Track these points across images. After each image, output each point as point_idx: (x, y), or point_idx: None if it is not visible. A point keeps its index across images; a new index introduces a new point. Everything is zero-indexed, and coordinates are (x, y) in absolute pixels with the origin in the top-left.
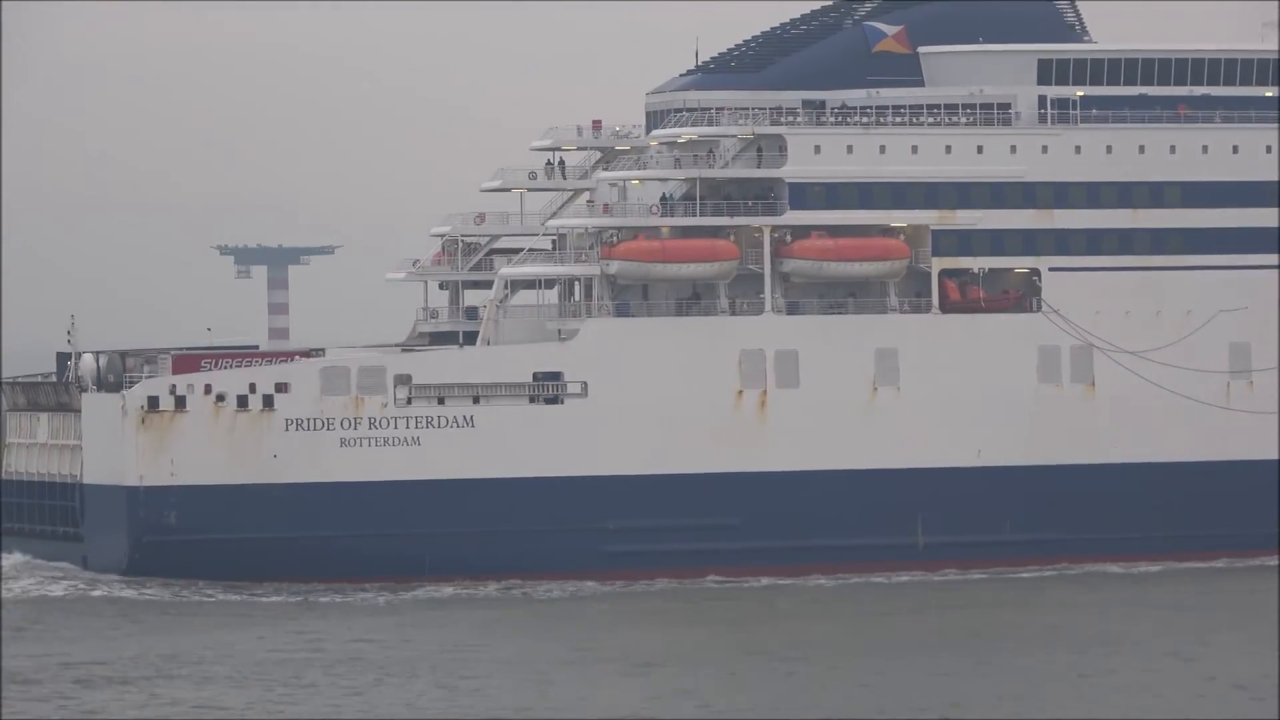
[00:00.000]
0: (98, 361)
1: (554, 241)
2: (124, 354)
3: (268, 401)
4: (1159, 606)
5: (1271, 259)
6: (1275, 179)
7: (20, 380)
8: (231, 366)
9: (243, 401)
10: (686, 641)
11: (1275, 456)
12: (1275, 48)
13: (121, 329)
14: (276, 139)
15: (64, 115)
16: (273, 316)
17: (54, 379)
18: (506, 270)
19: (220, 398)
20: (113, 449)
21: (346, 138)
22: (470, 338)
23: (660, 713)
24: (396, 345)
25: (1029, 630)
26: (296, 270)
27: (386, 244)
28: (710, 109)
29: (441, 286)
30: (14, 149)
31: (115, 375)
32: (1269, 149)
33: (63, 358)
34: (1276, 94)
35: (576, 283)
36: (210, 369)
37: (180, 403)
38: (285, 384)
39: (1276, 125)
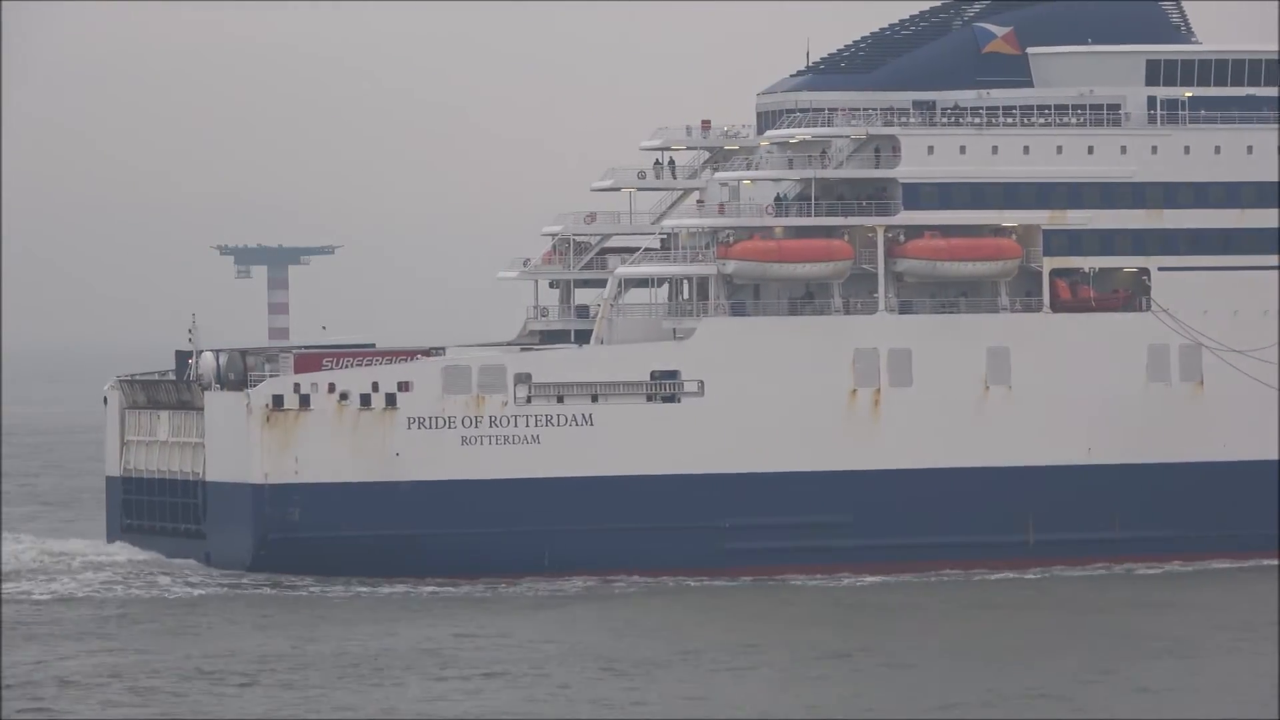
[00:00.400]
0: (218, 360)
1: (662, 240)
2: (244, 352)
3: (390, 400)
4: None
5: None
6: None
7: (139, 378)
8: (353, 365)
9: (366, 400)
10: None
11: None
12: None
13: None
14: (277, 139)
15: (64, 115)
16: (273, 316)
17: (171, 377)
18: (623, 270)
19: (344, 396)
20: (237, 447)
21: (348, 138)
22: (581, 336)
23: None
24: (508, 344)
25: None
26: (296, 270)
27: (386, 244)
28: (823, 110)
29: (552, 285)
30: (14, 149)
31: (236, 373)
32: None
33: (182, 356)
34: None
35: (686, 281)
36: (332, 368)
37: (304, 401)
38: (407, 383)
39: None
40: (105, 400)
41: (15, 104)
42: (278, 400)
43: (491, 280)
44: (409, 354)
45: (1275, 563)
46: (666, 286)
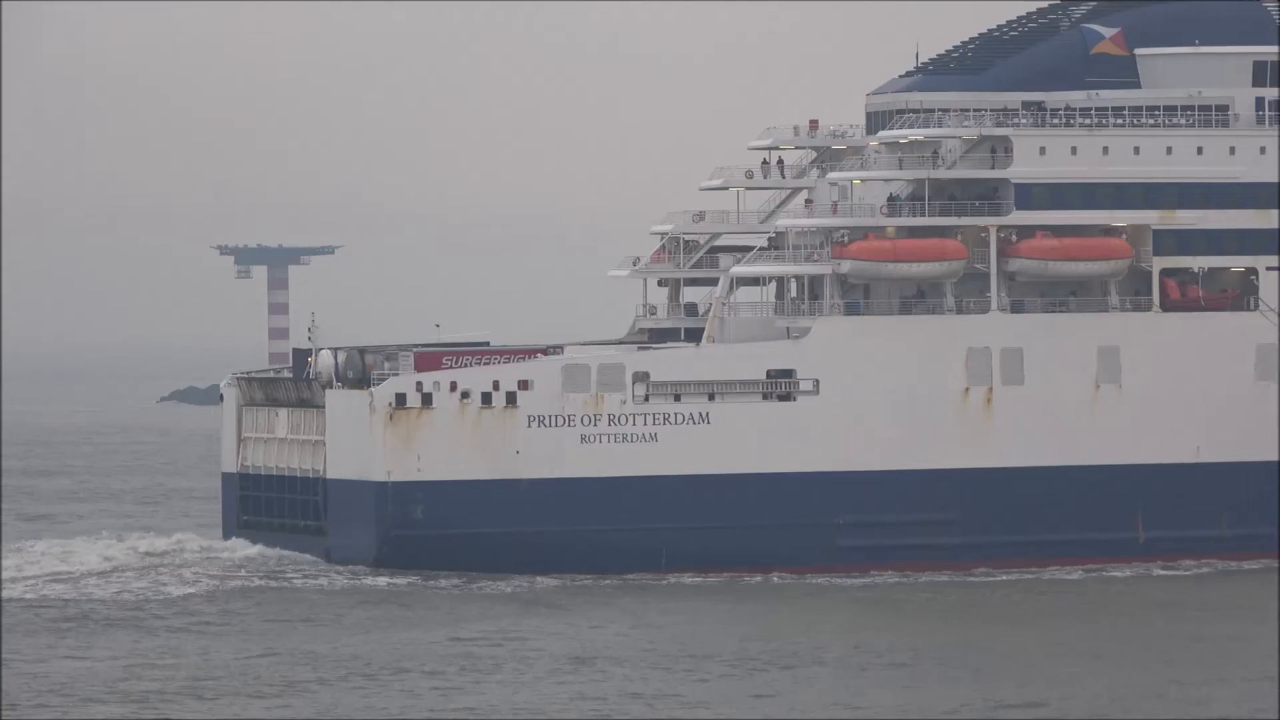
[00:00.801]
0: (336, 358)
1: (769, 239)
2: (363, 350)
3: (511, 398)
4: None
5: None
6: None
7: (257, 376)
8: (472, 364)
9: (487, 399)
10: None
11: None
12: None
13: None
14: (277, 139)
15: (64, 115)
16: (273, 316)
17: (286, 375)
18: (738, 269)
19: (465, 395)
20: (359, 445)
21: (349, 138)
22: (691, 334)
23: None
24: (617, 342)
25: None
26: (296, 270)
27: (387, 244)
28: (934, 110)
29: (660, 283)
30: (14, 149)
31: (355, 371)
32: None
33: (299, 354)
34: None
35: (793, 280)
36: (451, 366)
37: (427, 400)
38: (528, 381)
39: None
40: (221, 397)
41: (15, 104)
42: (400, 399)
43: (603, 278)
44: (527, 353)
45: None
46: (774, 285)
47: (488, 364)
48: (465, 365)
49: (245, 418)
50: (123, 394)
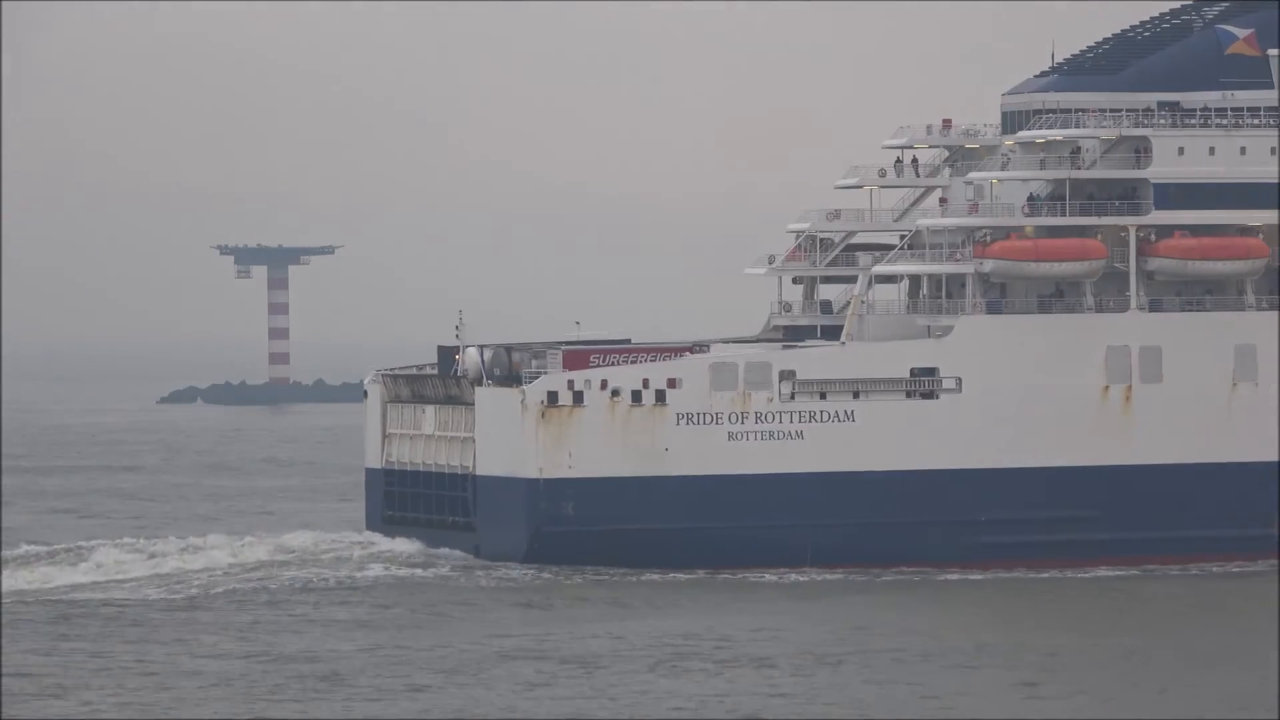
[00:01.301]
0: (482, 355)
1: (902, 237)
2: (509, 348)
3: (660, 397)
4: None
5: None
6: None
7: (402, 372)
8: (619, 362)
9: (637, 397)
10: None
11: None
12: None
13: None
14: (277, 138)
15: (64, 115)
16: (273, 316)
17: (429, 371)
18: (880, 267)
19: (615, 393)
20: (510, 442)
21: (354, 138)
22: (827, 331)
23: None
24: (752, 339)
25: None
26: (296, 270)
27: (388, 244)
28: (1071, 110)
29: (795, 281)
30: (14, 149)
31: (501, 369)
32: None
33: (444, 351)
34: None
35: (925, 278)
36: (599, 364)
37: (578, 398)
38: (676, 380)
39: None
40: (365, 393)
41: (15, 104)
42: (552, 397)
43: (740, 276)
44: (673, 351)
45: None
46: (906, 282)
47: (635, 362)
48: (613, 364)
49: (390, 414)
50: (133, 393)
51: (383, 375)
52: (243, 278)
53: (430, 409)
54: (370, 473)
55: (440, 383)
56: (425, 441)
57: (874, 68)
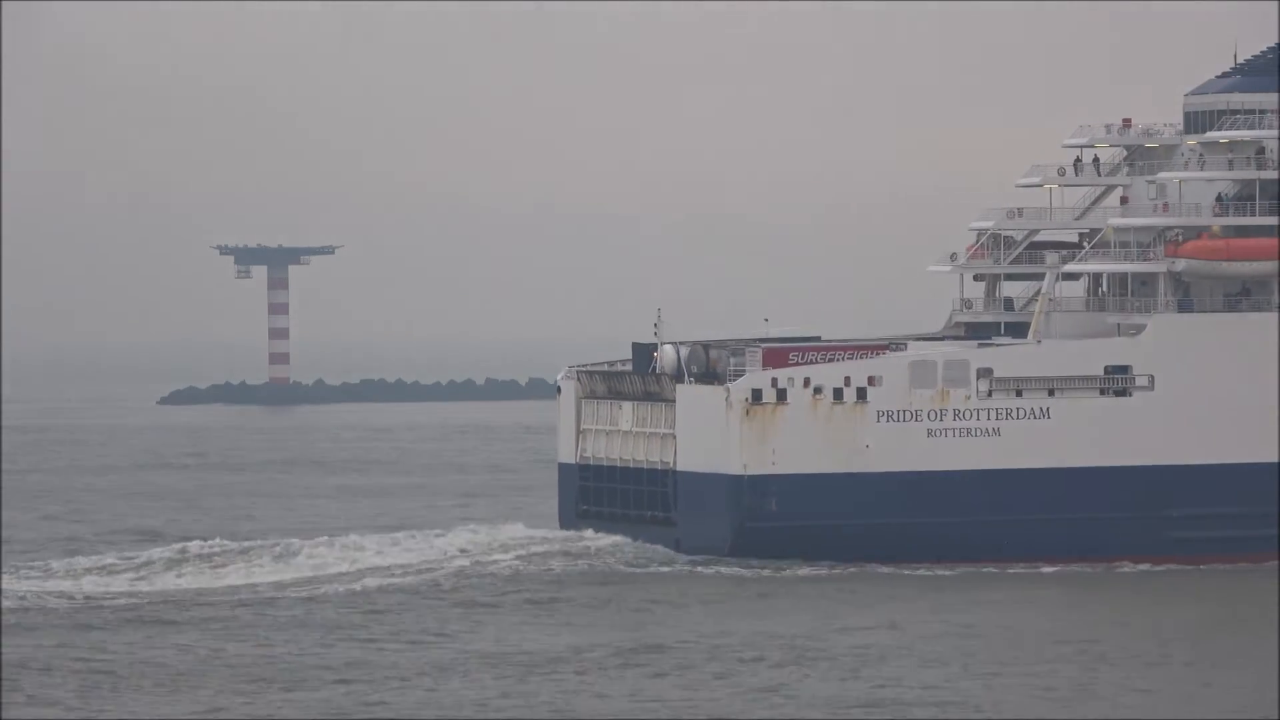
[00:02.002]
0: (678, 353)
1: (1081, 235)
2: (706, 345)
3: (861, 394)
4: None
5: None
6: None
7: (596, 369)
8: (817, 360)
9: (838, 394)
10: None
11: None
12: None
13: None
14: (277, 138)
15: (63, 115)
16: (273, 316)
17: (620, 368)
18: (1071, 265)
19: (818, 390)
20: (713, 438)
21: (355, 138)
22: (1010, 328)
23: None
24: (934, 336)
25: None
26: (296, 270)
27: (387, 243)
28: (1255, 111)
29: (976, 278)
30: (13, 148)
31: (699, 366)
32: None
33: (639, 348)
34: None
35: (1107, 277)
36: (798, 362)
37: (781, 395)
38: (877, 377)
39: None
40: (558, 390)
41: (15, 103)
42: (756, 394)
43: (923, 273)
44: (869, 349)
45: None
46: (1085, 282)
47: (833, 360)
48: (810, 361)
49: (585, 410)
50: (134, 393)
51: (577, 371)
52: (243, 278)
53: (628, 405)
54: (563, 468)
55: (639, 379)
56: (622, 437)
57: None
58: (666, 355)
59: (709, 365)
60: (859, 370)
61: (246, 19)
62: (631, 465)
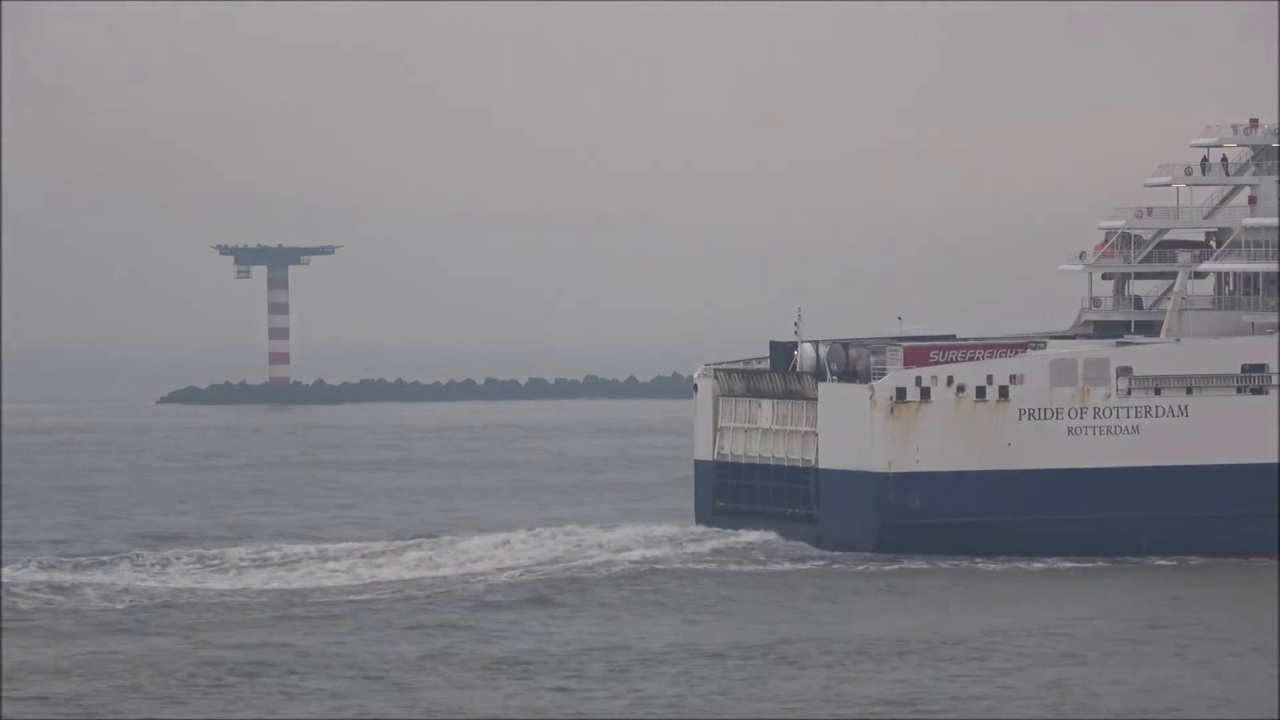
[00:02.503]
0: (817, 351)
1: (1208, 235)
2: (845, 344)
3: (1003, 393)
4: None
5: None
6: None
7: (733, 367)
8: (957, 358)
9: (980, 393)
10: None
11: None
12: None
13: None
14: (277, 138)
15: (64, 115)
16: (273, 316)
17: (755, 366)
18: (1208, 265)
19: (960, 389)
20: (857, 436)
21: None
22: (1140, 327)
23: None
24: (1063, 335)
25: None
26: (296, 270)
27: (388, 243)
28: None
29: (1105, 277)
30: (14, 148)
31: (838, 364)
32: None
33: (778, 347)
34: None
35: (1233, 275)
36: (938, 361)
37: (925, 394)
38: (1019, 376)
39: None
40: (695, 388)
41: (15, 103)
42: (900, 393)
43: (1053, 273)
44: (1009, 347)
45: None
46: (1212, 279)
47: (973, 359)
48: (951, 360)
49: (722, 408)
50: (134, 393)
51: (715, 370)
52: (243, 278)
53: (767, 403)
54: (700, 465)
55: (779, 378)
56: (761, 435)
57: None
58: (806, 354)
59: (848, 363)
60: (1001, 369)
61: (247, 19)
62: (771, 463)
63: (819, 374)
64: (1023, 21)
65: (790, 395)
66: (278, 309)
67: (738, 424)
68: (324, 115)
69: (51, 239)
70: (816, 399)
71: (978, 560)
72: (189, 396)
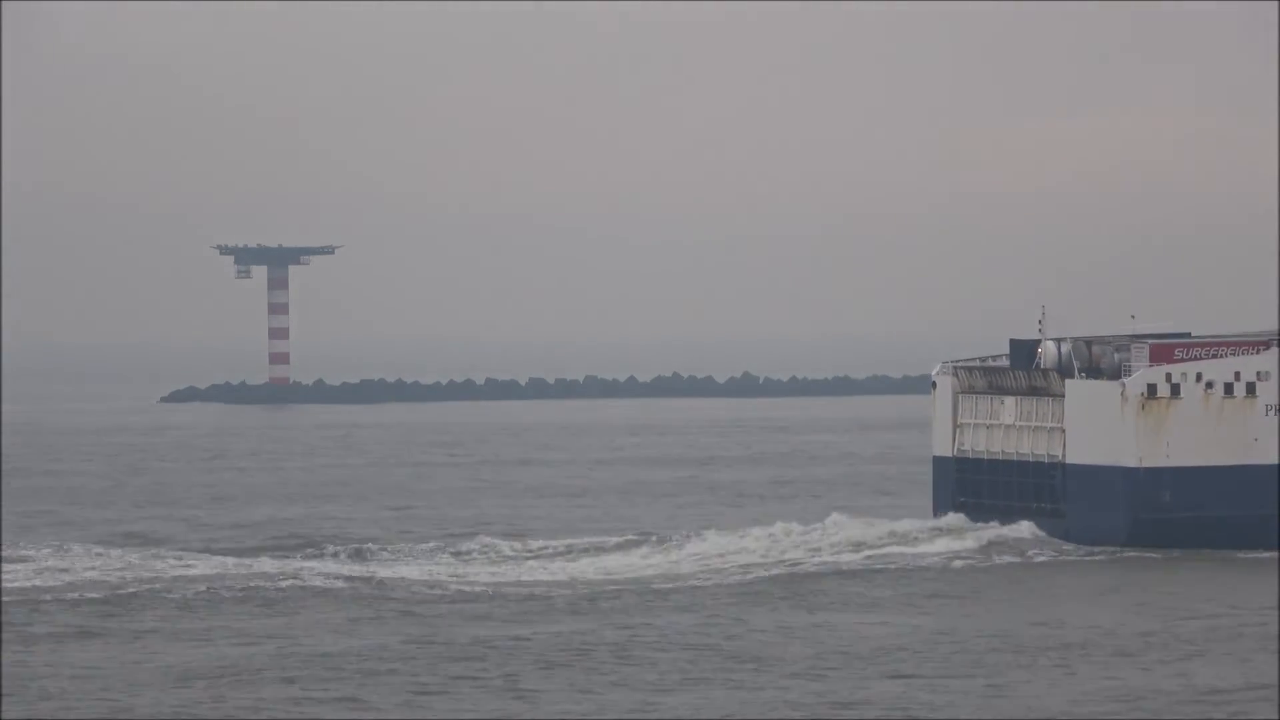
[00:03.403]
0: (1058, 348)
1: None
2: (1088, 342)
3: (1250, 389)
4: None
5: None
6: None
7: (975, 364)
8: (1202, 356)
9: (1228, 389)
10: None
11: None
12: None
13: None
14: (278, 138)
15: (64, 116)
16: (273, 316)
17: (993, 363)
18: None
19: (1209, 385)
20: (1107, 432)
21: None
22: None
23: None
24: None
25: None
26: (296, 270)
27: (388, 243)
28: None
29: None
30: (13, 149)
31: (1081, 361)
32: None
33: (1018, 345)
34: None
35: None
36: (1183, 358)
37: (1174, 390)
38: (1265, 372)
39: None
40: (934, 385)
41: (15, 104)
42: (1151, 390)
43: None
44: (1252, 344)
45: None
46: None
47: (1216, 356)
48: (1195, 358)
49: (962, 404)
50: (134, 393)
51: (956, 368)
52: (243, 278)
53: (1010, 400)
54: (939, 460)
55: (1022, 375)
56: (1004, 431)
57: None
58: (1049, 351)
59: (1091, 361)
60: (1247, 365)
61: (247, 20)
62: (1015, 458)
63: (1064, 371)
64: None
65: (1034, 392)
66: (277, 309)
67: (978, 420)
68: (324, 115)
69: (52, 239)
70: (1063, 395)
71: None
72: (189, 396)
